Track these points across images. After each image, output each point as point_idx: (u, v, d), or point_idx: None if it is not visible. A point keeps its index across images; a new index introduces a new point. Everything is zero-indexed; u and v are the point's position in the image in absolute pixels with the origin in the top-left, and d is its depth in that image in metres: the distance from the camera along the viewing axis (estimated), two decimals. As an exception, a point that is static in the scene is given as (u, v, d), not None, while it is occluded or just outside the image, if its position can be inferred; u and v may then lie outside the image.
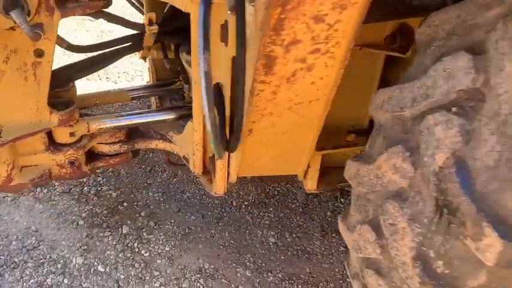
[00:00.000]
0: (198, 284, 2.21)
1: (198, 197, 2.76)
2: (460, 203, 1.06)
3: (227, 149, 1.45)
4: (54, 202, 2.65)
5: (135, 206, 2.64)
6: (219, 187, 1.89)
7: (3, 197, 2.64)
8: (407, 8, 1.46)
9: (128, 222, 2.53)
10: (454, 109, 1.09)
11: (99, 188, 2.75)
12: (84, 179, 2.80)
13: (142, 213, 2.59)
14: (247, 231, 2.55)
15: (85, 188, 2.74)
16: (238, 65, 1.17)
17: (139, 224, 2.51)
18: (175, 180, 2.87)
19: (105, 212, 2.59)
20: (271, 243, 2.49)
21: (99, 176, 2.84)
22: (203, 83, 1.18)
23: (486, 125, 1.04)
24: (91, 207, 2.61)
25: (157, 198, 2.71)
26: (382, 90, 1.34)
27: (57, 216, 2.55)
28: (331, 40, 1.12)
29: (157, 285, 2.20)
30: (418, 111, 1.17)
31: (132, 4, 2.48)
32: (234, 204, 2.73)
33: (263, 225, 2.60)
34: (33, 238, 2.40)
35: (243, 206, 2.72)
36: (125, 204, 2.65)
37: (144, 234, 2.45)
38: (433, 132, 1.11)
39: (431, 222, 1.15)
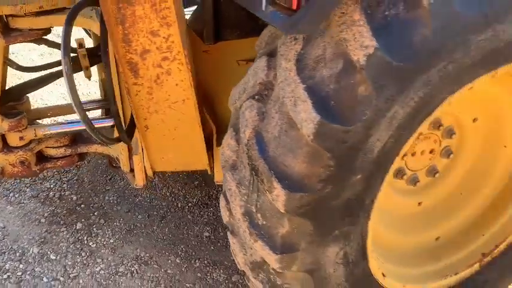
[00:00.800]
0: (132, 269, 2.56)
1: (148, 200, 3.13)
2: (259, 165, 1.42)
3: (122, 140, 1.84)
4: (23, 204, 3.05)
5: (91, 207, 3.03)
6: (138, 180, 2.27)
7: (-20, 201, 3.06)
8: (262, 26, 1.85)
9: (82, 220, 2.91)
10: (256, 97, 1.47)
11: (63, 193, 3.15)
12: (51, 185, 3.21)
13: (95, 213, 2.97)
14: (186, 228, 2.90)
15: (51, 193, 3.15)
16: (106, 69, 1.58)
17: (91, 222, 2.89)
18: (131, 187, 3.25)
19: (64, 212, 2.97)
20: (204, 237, 2.83)
21: (64, 183, 3.25)
22: (66, 83, 1.60)
23: (273, 106, 1.41)
24: (53, 208, 3.01)
25: (111, 201, 3.09)
26: (233, 88, 1.72)
27: (23, 215, 2.95)
28: (173, 50, 1.52)
29: (98, 270, 2.55)
30: (241, 102, 1.55)
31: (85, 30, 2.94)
32: (179, 205, 3.09)
33: (201, 223, 2.94)
34: (0, 233, 2.80)
35: (187, 207, 3.08)
36: (82, 205, 3.03)
37: (94, 230, 2.83)
38: (244, 115, 1.49)
39: (250, 184, 1.51)
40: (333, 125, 1.29)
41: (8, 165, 2.35)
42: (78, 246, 2.70)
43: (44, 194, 3.14)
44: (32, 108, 2.53)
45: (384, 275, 1.82)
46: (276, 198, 1.39)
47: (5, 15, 2.03)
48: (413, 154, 1.94)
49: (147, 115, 1.85)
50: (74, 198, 3.10)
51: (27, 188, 3.21)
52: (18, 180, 3.27)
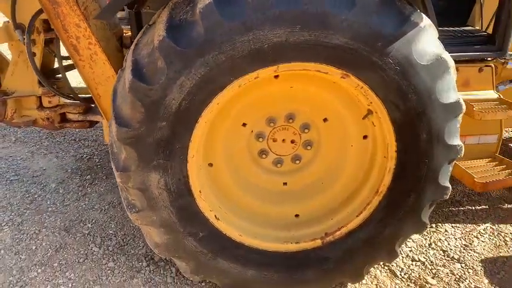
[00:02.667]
0: (103, 207, 3.47)
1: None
2: (112, 109, 2.20)
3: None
4: (64, 159, 4.23)
5: (104, 168, 4.06)
6: (105, 138, 3.19)
7: None
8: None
9: (93, 174, 3.94)
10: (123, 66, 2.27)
11: (92, 157, 4.26)
12: (87, 150, 4.34)
13: (103, 171, 3.99)
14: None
15: (84, 155, 4.28)
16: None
17: (99, 176, 3.91)
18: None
19: (85, 167, 4.06)
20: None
21: (96, 150, 4.37)
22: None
23: (123, 71, 2.20)
24: (80, 164, 4.12)
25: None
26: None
27: (60, 165, 4.11)
28: (92, 37, 2.42)
29: (83, 204, 3.52)
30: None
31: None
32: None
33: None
34: (40, 172, 3.99)
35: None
36: (99, 166, 4.09)
37: (97, 181, 3.83)
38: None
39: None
40: (141, 83, 2.03)
41: (39, 119, 3.49)
42: (80, 189, 3.73)
43: (80, 155, 4.29)
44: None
45: (217, 217, 2.40)
46: (114, 130, 2.15)
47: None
48: (274, 140, 2.51)
49: (95, 85, 2.75)
50: (96, 160, 4.19)
51: (72, 149, 4.42)
52: (66, 143, 4.50)
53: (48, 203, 3.54)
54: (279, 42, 1.98)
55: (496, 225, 3.30)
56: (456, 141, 2.27)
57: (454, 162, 2.38)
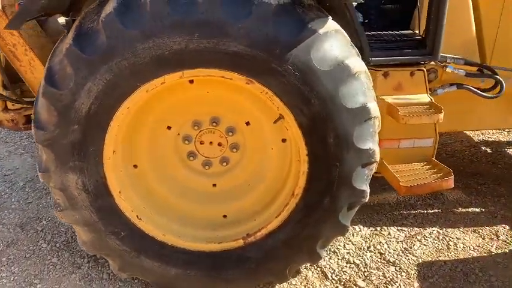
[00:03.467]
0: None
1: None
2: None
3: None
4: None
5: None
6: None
7: None
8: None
9: None
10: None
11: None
12: None
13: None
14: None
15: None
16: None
17: None
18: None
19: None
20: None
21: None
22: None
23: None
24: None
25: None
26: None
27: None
28: (25, 44, 2.55)
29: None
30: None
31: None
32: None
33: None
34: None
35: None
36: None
37: None
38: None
39: (39, 127, 2.41)
40: (53, 89, 2.14)
41: (4, 120, 3.66)
42: (45, 188, 3.88)
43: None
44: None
45: (139, 217, 2.49)
46: (33, 133, 2.28)
47: None
48: (201, 142, 2.59)
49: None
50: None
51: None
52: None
53: (13, 200, 3.71)
54: (179, 49, 2.06)
55: (444, 229, 3.29)
56: (368, 145, 2.29)
57: (373, 166, 2.41)
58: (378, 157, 2.39)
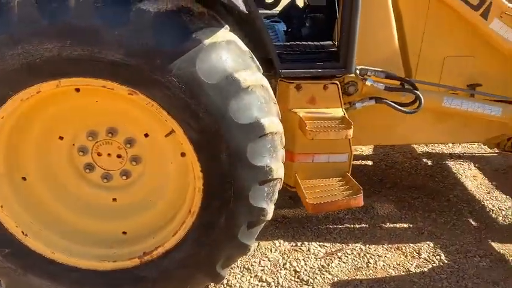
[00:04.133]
0: None
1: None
2: None
3: None
4: None
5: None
6: None
7: None
8: None
9: None
10: None
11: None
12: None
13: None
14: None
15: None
16: None
17: None
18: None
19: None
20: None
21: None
22: None
23: None
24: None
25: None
26: None
27: None
28: None
29: None
30: None
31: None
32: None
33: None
34: None
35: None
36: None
37: None
38: None
39: None
40: None
41: None
42: None
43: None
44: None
45: (24, 233, 2.33)
46: None
47: None
48: (99, 154, 2.44)
49: None
50: None
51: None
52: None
53: None
54: (51, 56, 1.91)
55: (367, 246, 3.20)
56: (264, 162, 2.18)
57: (274, 183, 2.31)
58: (278, 174, 2.28)
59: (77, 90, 2.17)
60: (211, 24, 2.07)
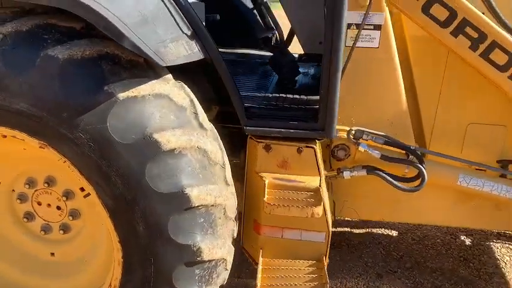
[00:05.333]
0: None
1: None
2: None
3: None
4: None
5: None
6: None
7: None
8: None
9: None
10: None
11: None
12: None
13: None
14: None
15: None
16: None
17: None
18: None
19: None
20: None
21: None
22: None
23: None
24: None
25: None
26: None
27: None
28: None
29: None
30: None
31: None
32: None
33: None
34: None
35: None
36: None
37: None
38: None
39: None
40: None
41: None
42: None
43: None
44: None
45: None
46: None
47: None
48: (39, 203, 2.23)
49: None
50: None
51: None
52: None
53: None
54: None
55: None
56: (190, 240, 1.81)
57: (209, 265, 1.92)
58: (215, 255, 1.90)
59: (4, 136, 2.00)
60: (142, 74, 1.79)
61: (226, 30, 3.57)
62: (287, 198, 2.11)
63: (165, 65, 1.72)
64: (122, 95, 1.68)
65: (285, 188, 2.18)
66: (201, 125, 1.90)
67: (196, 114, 1.90)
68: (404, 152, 2.41)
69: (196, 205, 1.79)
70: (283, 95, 2.49)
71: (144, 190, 1.73)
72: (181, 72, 2.04)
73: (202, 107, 2.03)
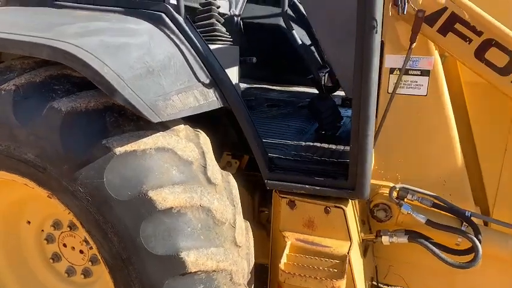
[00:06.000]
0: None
1: None
2: None
3: None
4: None
5: None
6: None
7: None
8: None
9: None
10: None
11: None
12: None
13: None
14: None
15: None
16: None
17: None
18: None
19: None
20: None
21: None
22: None
23: None
24: None
25: None
26: None
27: None
28: None
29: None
30: None
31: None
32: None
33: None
34: None
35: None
36: None
37: None
38: None
39: None
40: None
41: None
42: None
43: None
44: None
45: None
46: None
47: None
48: (64, 245, 2.25)
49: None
50: None
51: None
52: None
53: None
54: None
55: None
56: (188, 310, 1.66)
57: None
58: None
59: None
60: (147, 126, 1.71)
61: (279, 66, 3.45)
62: (307, 265, 1.87)
63: (159, 120, 1.61)
64: (120, 149, 1.61)
65: (307, 253, 1.94)
66: (208, 180, 1.76)
67: (205, 167, 1.77)
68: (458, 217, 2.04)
69: (193, 271, 1.63)
70: (318, 144, 2.27)
71: (139, 250, 1.63)
72: (207, 118, 1.94)
73: (228, 154, 1.91)
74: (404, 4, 1.72)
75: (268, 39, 3.27)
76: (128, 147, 1.62)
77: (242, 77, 3.60)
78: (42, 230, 2.31)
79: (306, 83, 3.34)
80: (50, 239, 2.27)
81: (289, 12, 3.40)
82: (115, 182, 1.61)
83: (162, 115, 1.61)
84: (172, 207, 1.62)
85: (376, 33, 1.69)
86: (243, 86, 3.44)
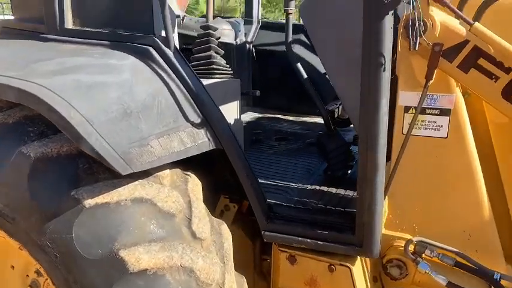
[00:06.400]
0: None
1: None
2: None
3: None
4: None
5: None
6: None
7: None
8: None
9: None
10: None
11: None
12: None
13: None
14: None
15: None
16: None
17: None
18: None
19: None
20: None
21: None
22: None
23: None
24: None
25: None
26: None
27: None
28: None
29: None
30: None
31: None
32: None
33: None
34: None
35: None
36: None
37: None
38: None
39: None
40: None
41: None
42: None
43: None
44: None
45: None
46: None
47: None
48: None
49: None
50: None
51: None
52: None
53: None
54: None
55: None
56: None
57: None
58: None
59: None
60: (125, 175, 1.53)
61: (292, 95, 3.25)
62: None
63: (130, 171, 1.43)
64: (90, 201, 1.43)
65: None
66: (193, 235, 1.56)
67: (190, 220, 1.57)
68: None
69: None
70: (324, 188, 2.04)
71: (111, 318, 1.44)
72: (203, 157, 1.75)
73: (226, 197, 1.72)
74: (416, 38, 1.49)
75: (279, 66, 3.09)
76: (100, 199, 1.45)
77: (253, 106, 3.43)
78: (27, 275, 2.17)
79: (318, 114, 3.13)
80: (34, 286, 2.11)
81: (303, 39, 3.22)
82: (85, 238, 1.43)
83: (135, 165, 1.43)
84: (147, 269, 1.43)
85: (384, 71, 1.47)
86: (253, 116, 3.26)
